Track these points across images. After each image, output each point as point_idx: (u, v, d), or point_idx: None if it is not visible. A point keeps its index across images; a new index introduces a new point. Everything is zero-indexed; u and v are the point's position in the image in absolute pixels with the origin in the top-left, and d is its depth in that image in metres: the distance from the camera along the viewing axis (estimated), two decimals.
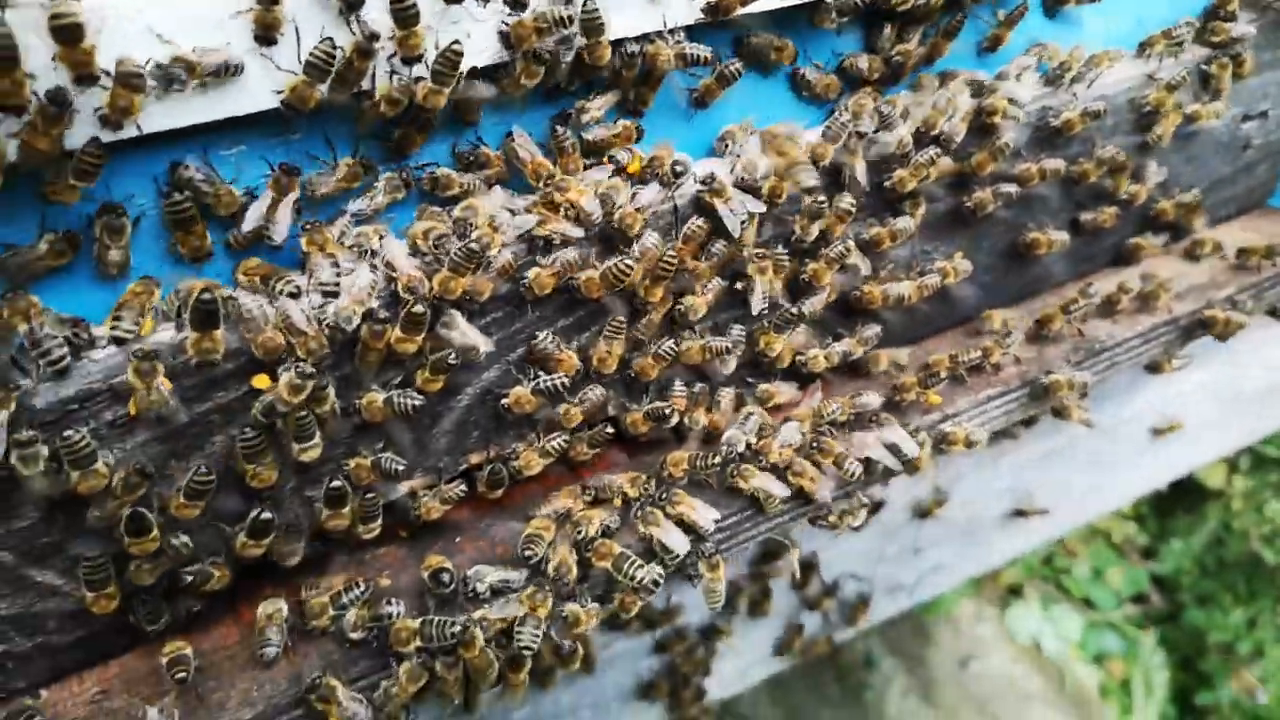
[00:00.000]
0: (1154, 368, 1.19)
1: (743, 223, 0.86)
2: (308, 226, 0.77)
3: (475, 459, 0.88)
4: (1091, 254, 1.21)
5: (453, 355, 0.78)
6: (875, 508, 1.38)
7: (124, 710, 0.75)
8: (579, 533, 0.84)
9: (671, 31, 0.86)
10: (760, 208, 0.88)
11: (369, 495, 0.80)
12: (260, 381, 0.74)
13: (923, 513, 1.50)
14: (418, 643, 0.76)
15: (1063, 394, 1.03)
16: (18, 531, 0.72)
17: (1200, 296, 1.18)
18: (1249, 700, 2.44)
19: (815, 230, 0.91)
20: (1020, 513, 1.60)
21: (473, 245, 0.75)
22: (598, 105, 0.86)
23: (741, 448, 0.91)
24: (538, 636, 0.79)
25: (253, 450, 0.74)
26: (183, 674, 0.74)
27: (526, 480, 0.90)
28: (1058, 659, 2.53)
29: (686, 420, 0.94)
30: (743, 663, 1.49)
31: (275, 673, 0.77)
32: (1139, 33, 1.16)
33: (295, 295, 0.73)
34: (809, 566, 1.41)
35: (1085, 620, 2.63)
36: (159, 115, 0.69)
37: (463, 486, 0.86)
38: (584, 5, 0.77)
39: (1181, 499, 2.59)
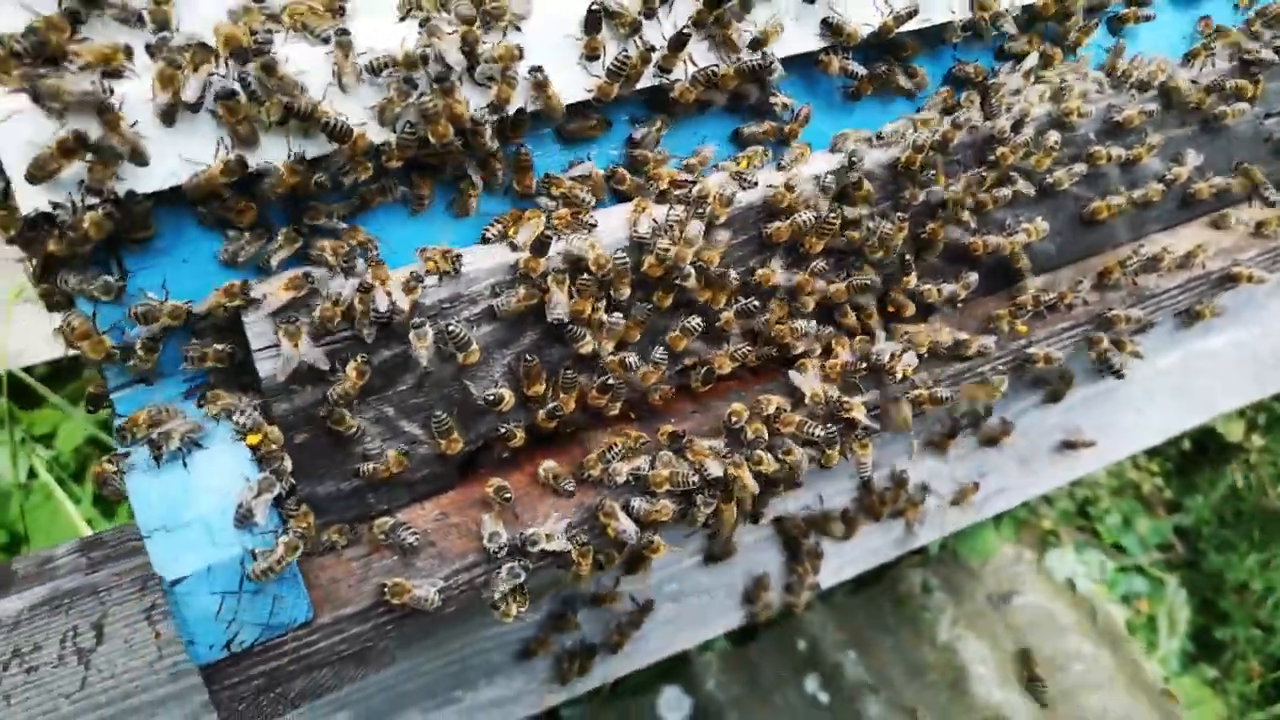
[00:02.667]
0: (1196, 314, 1.49)
1: None
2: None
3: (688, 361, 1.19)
4: (1144, 221, 1.51)
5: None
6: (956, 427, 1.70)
7: (462, 524, 1.07)
8: (764, 410, 1.15)
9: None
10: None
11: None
12: None
13: (989, 440, 1.80)
14: (668, 487, 1.08)
15: (1120, 326, 1.34)
16: (398, 393, 1.04)
17: (1227, 257, 1.48)
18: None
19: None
20: (1069, 444, 1.91)
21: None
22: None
23: (887, 358, 1.22)
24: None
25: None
26: (507, 495, 1.06)
27: (720, 380, 1.21)
28: (1090, 597, 2.83)
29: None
30: (841, 560, 1.80)
31: (570, 502, 1.08)
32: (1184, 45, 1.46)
33: None
34: (900, 481, 1.72)
35: (1115, 564, 2.92)
36: None
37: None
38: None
39: (1204, 457, 2.88)
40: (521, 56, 0.95)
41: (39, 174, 0.81)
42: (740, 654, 2.52)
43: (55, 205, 0.84)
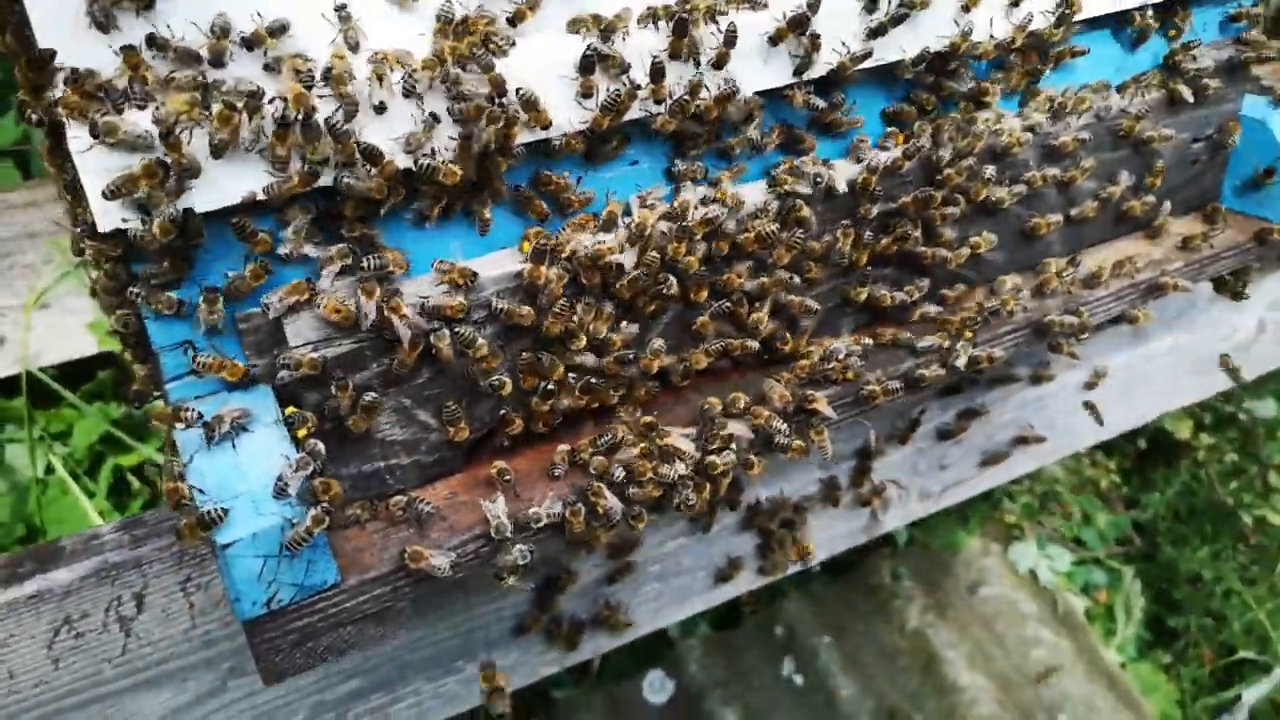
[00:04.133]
0: (1131, 319, 1.65)
1: None
2: None
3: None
4: (1081, 235, 1.67)
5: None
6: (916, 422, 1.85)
7: (469, 502, 1.21)
8: (738, 404, 1.30)
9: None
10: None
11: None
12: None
13: (946, 435, 1.96)
14: (650, 476, 1.23)
15: (1057, 329, 1.49)
16: (414, 386, 1.18)
17: (1156, 268, 1.64)
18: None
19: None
20: (1022, 439, 2.06)
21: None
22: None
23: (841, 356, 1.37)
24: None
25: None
26: (508, 477, 1.20)
27: (699, 375, 1.36)
28: (1051, 588, 2.99)
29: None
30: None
31: (562, 484, 1.23)
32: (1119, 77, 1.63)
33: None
34: (863, 470, 1.87)
35: (1075, 557, 3.09)
36: None
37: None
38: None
39: (1159, 455, 3.05)
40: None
41: (117, 194, 0.95)
42: (721, 639, 2.67)
43: (128, 220, 0.98)
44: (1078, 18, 1.47)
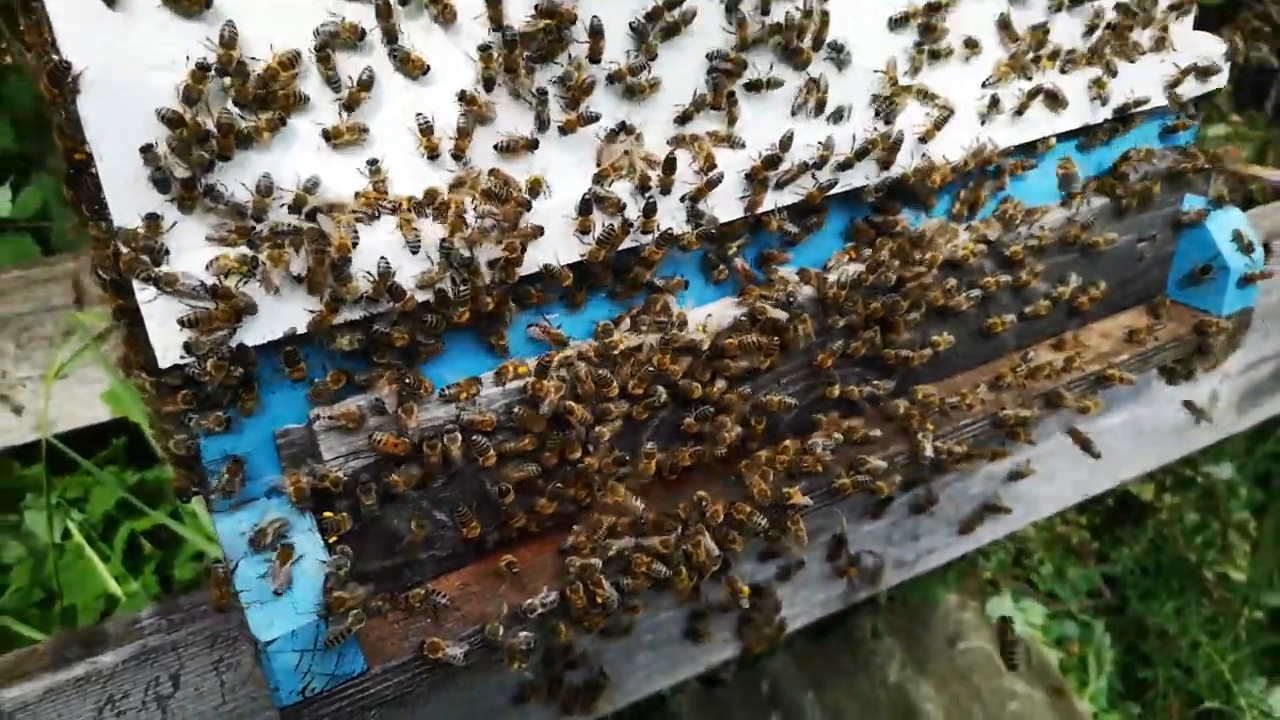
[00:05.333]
0: (1082, 409, 1.80)
1: None
2: None
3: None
4: (1033, 332, 1.83)
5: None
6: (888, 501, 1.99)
7: (481, 593, 1.35)
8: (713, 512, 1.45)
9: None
10: None
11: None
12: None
13: (918, 508, 2.10)
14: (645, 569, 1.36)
15: (1012, 422, 1.64)
16: (434, 489, 1.32)
17: (1104, 361, 1.79)
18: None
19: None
20: (991, 508, 2.21)
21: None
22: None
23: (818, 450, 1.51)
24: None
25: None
26: (515, 569, 1.34)
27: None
28: (1027, 641, 3.12)
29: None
30: (792, 612, 2.08)
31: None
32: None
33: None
34: (840, 542, 2.00)
35: (1048, 611, 3.23)
36: None
37: None
38: None
39: (1127, 513, 3.20)
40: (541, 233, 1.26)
41: (190, 350, 1.10)
42: (709, 695, 2.78)
43: (185, 356, 1.12)
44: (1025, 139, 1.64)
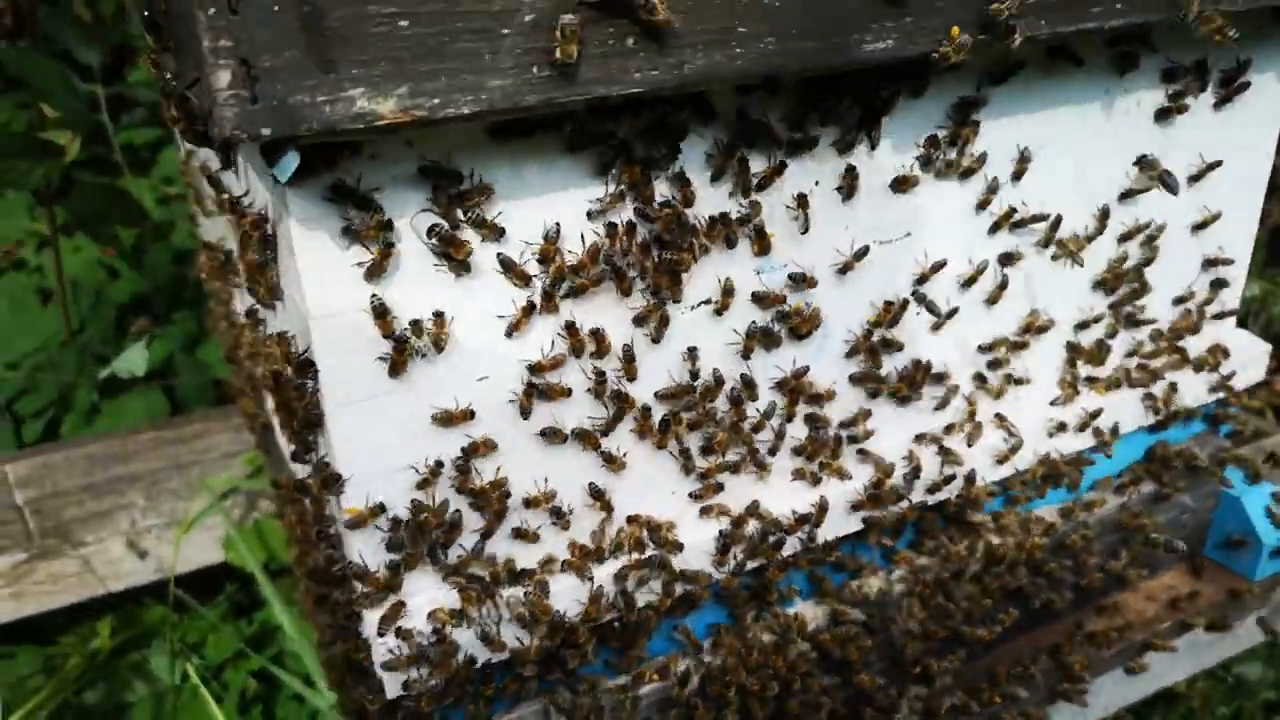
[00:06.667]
0: (1131, 670, 2.03)
1: None
2: None
3: None
4: (1089, 598, 2.07)
5: None
6: None
7: None
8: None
9: None
10: None
11: None
12: None
13: None
14: None
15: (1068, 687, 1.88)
16: None
17: (1148, 629, 2.03)
18: None
19: None
20: None
21: None
22: None
23: None
24: None
25: None
26: None
27: None
28: None
29: None
30: None
31: None
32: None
33: None
34: None
35: None
36: None
37: None
38: None
39: (1159, 700, 3.40)
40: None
41: (407, 691, 1.36)
42: None
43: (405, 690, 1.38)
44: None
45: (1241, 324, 2.12)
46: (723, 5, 1.09)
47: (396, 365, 1.20)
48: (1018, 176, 1.58)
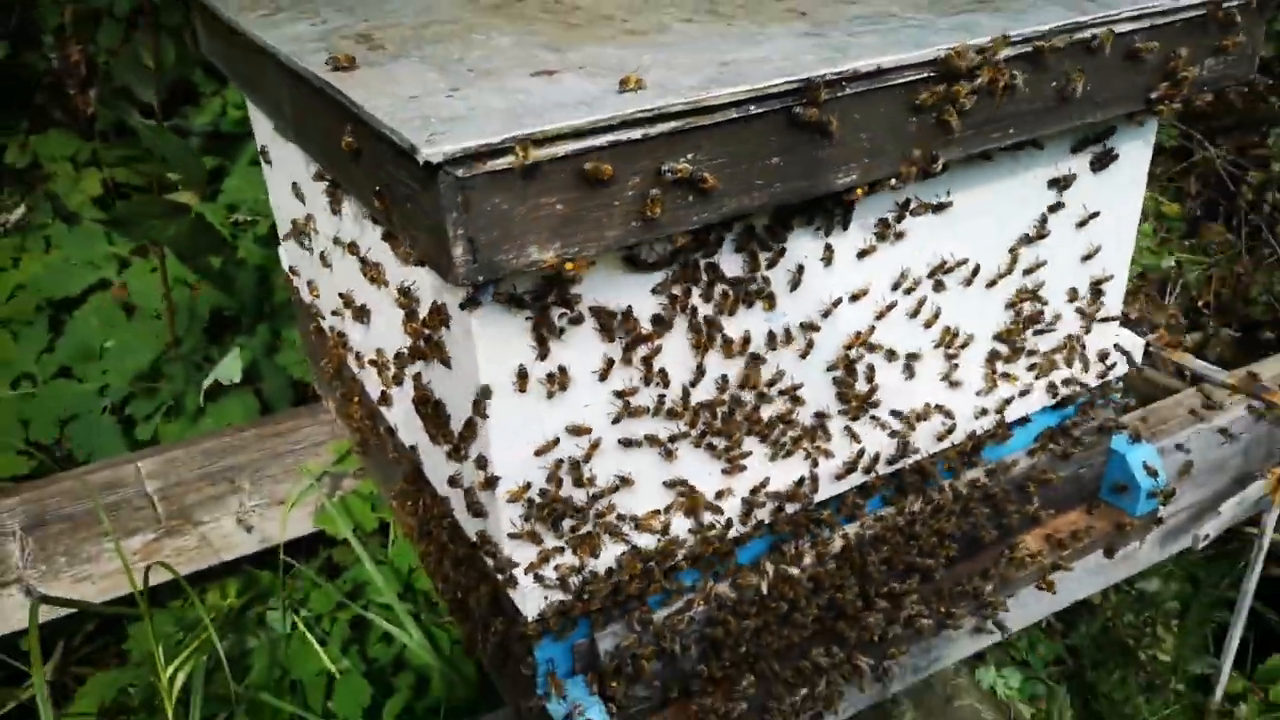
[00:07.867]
0: (1040, 587, 2.73)
1: None
2: None
3: None
4: (1006, 537, 2.76)
5: None
6: None
7: None
8: None
9: None
10: None
11: None
12: None
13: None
14: None
15: (995, 604, 2.58)
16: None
17: (1054, 554, 2.73)
18: None
19: None
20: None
21: None
22: None
23: None
24: None
25: None
26: None
27: None
28: (1007, 700, 4.08)
29: None
30: None
31: None
32: None
33: None
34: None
35: (1024, 675, 4.19)
36: None
37: None
38: None
39: (1083, 605, 4.15)
40: None
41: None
42: None
43: None
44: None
45: (1162, 290, 2.81)
46: (746, 170, 1.72)
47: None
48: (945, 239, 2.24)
